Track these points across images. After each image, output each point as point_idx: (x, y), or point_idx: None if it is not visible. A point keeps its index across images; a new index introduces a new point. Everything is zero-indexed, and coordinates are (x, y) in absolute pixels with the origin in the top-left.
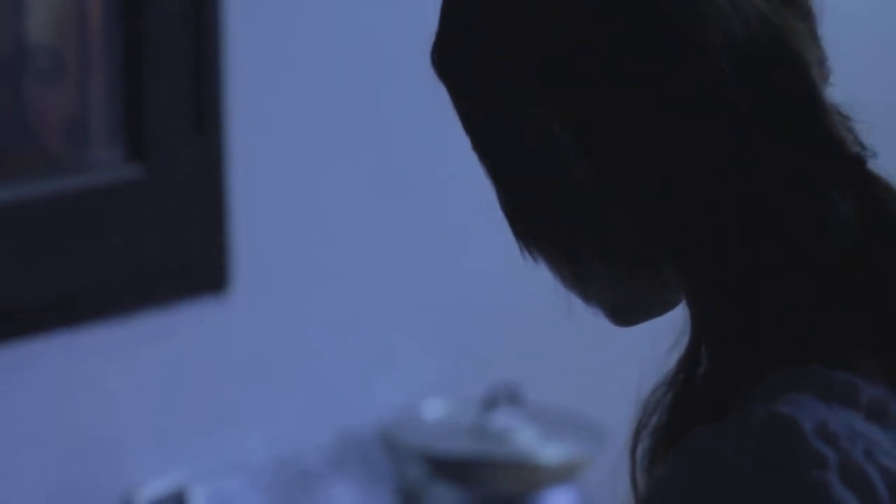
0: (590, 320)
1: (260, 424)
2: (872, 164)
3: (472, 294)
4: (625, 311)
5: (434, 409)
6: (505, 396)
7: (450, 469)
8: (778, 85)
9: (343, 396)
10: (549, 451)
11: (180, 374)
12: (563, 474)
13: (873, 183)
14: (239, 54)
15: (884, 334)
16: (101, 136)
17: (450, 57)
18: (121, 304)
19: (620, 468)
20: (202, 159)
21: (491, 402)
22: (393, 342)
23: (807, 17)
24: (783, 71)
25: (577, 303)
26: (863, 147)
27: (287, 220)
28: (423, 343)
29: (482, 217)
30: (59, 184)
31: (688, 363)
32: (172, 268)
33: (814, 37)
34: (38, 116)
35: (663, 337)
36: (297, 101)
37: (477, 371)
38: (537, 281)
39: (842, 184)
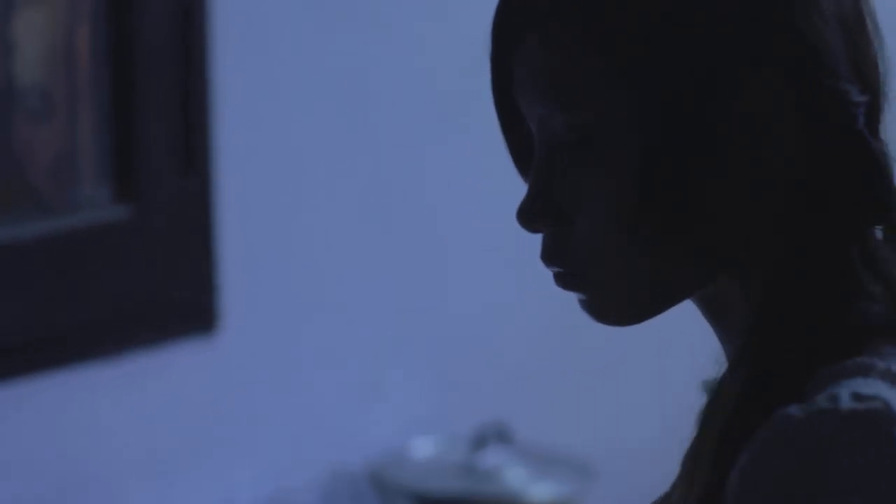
0: (580, 359)
1: (250, 462)
2: None
3: (463, 331)
4: (645, 298)
5: (423, 448)
6: (494, 434)
7: None
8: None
9: (333, 434)
10: (538, 490)
11: (170, 412)
12: None
13: None
14: (227, 92)
15: None
16: (89, 174)
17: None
18: (110, 343)
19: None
20: (190, 197)
21: (480, 441)
22: (382, 379)
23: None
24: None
25: (566, 341)
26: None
27: (276, 258)
28: (412, 380)
29: (474, 254)
30: (47, 223)
31: (754, 354)
32: (161, 306)
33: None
34: (26, 155)
35: (652, 378)
36: (285, 137)
37: (467, 407)
38: (528, 319)
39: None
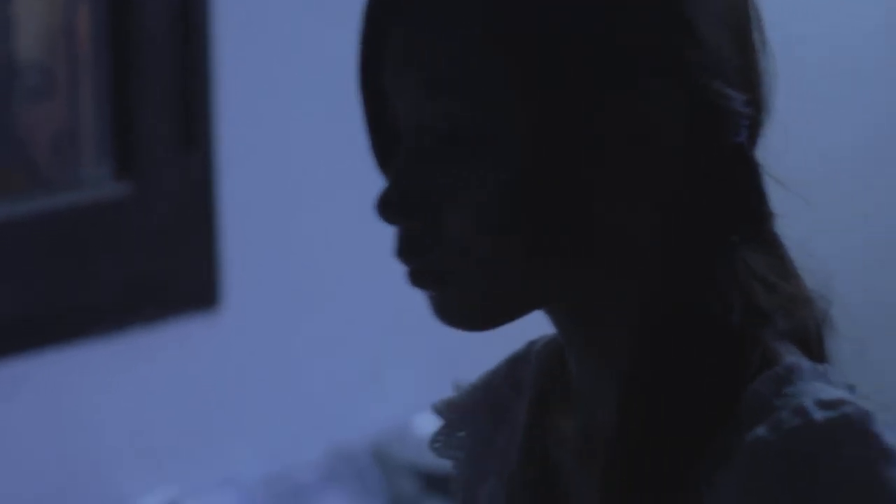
0: None
1: (251, 440)
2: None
3: None
4: (508, 302)
5: (426, 425)
6: None
7: (442, 484)
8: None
9: (334, 412)
10: None
11: (171, 390)
12: None
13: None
14: (228, 69)
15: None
16: (90, 152)
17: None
18: (109, 322)
19: None
20: (192, 175)
21: None
22: (384, 358)
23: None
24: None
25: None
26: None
27: (277, 236)
28: (413, 358)
29: None
30: (48, 201)
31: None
32: (162, 284)
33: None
34: (27, 134)
35: None
36: (286, 115)
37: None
38: None
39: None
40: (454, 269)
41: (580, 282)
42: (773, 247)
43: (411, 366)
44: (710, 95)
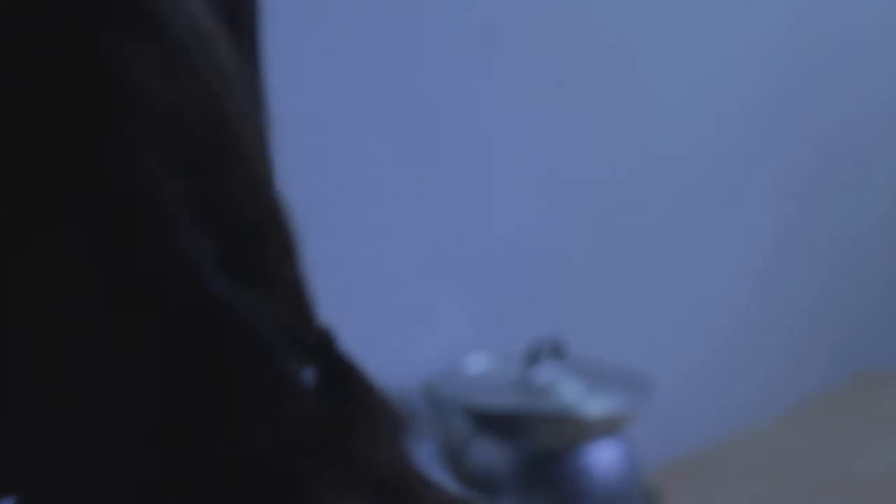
0: (635, 273)
1: None
2: None
3: (514, 247)
4: None
5: (477, 365)
6: (548, 350)
7: (493, 423)
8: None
9: (384, 354)
10: (593, 405)
11: None
12: (606, 428)
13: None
14: (276, 12)
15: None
16: None
17: None
18: None
19: (665, 421)
20: None
21: (534, 357)
22: (434, 298)
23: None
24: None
25: (620, 255)
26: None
27: (322, 175)
28: (464, 298)
29: (522, 168)
30: None
31: None
32: None
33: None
34: None
35: (710, 294)
36: (333, 54)
37: (519, 325)
38: (579, 233)
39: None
40: None
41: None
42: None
43: (462, 305)
44: (135, 241)
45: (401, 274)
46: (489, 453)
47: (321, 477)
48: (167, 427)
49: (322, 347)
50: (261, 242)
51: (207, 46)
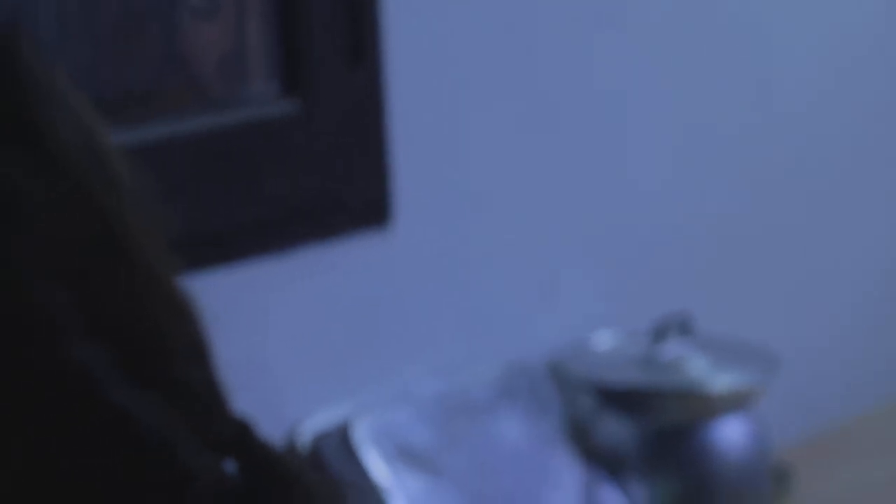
0: (762, 248)
1: (425, 357)
2: None
3: (640, 223)
4: None
5: (603, 341)
6: (676, 327)
7: (619, 400)
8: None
9: (509, 328)
10: (720, 381)
11: (343, 307)
12: (733, 403)
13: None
14: None
15: None
16: (256, 70)
17: None
18: (280, 239)
19: (790, 395)
20: (360, 90)
21: (661, 333)
22: (560, 273)
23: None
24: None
25: (749, 230)
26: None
27: (448, 151)
28: (590, 273)
29: (647, 142)
30: (214, 119)
31: None
32: (332, 202)
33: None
34: (193, 53)
35: (840, 269)
36: (455, 30)
37: (646, 302)
38: (705, 208)
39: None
40: None
41: None
42: None
43: (588, 281)
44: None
45: (529, 248)
46: (615, 430)
47: None
48: None
49: (239, 440)
50: (162, 343)
51: (97, 159)
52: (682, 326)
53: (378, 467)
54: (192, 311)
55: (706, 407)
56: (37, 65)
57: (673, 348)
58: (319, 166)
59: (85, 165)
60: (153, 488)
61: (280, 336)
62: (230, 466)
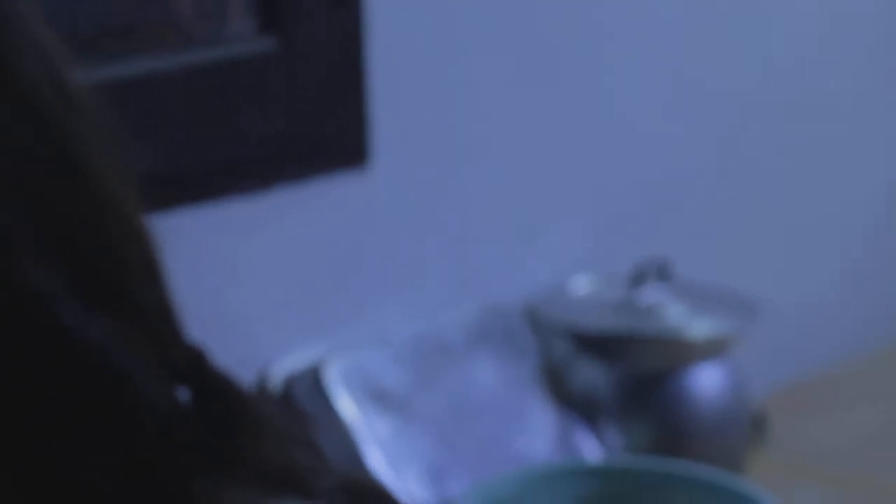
0: (744, 195)
1: (401, 299)
2: None
3: (621, 168)
4: None
5: (581, 285)
6: (653, 272)
7: (596, 345)
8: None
9: (488, 272)
10: (698, 327)
11: (318, 248)
12: (711, 350)
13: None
14: None
15: None
16: (235, 7)
17: None
18: (255, 179)
19: (770, 343)
20: (340, 28)
21: (639, 278)
22: (541, 217)
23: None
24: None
25: (734, 177)
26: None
27: (429, 92)
28: (570, 218)
29: (633, 88)
30: (191, 56)
31: None
32: (310, 141)
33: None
34: None
35: (824, 220)
36: None
37: (625, 246)
38: (692, 152)
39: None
40: None
41: None
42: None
43: (568, 225)
44: None
45: (509, 192)
46: (591, 375)
47: (206, 476)
48: (29, 460)
49: (192, 367)
50: (117, 268)
51: (50, 72)
52: (660, 272)
53: (349, 409)
54: (147, 235)
55: (683, 353)
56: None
57: (651, 294)
58: (297, 105)
59: (46, 93)
60: (109, 415)
61: (254, 278)
62: (182, 393)
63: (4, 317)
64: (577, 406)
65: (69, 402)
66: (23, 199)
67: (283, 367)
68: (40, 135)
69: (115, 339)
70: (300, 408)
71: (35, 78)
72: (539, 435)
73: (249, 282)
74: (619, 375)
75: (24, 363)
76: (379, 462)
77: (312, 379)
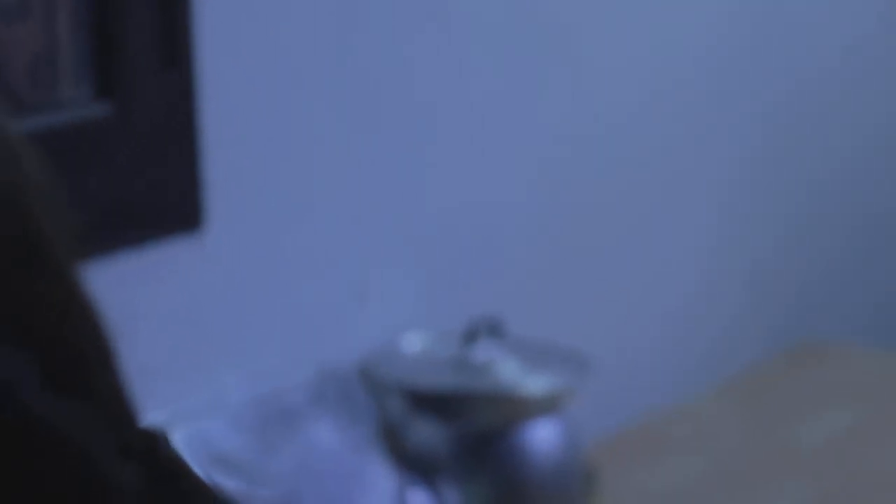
0: (572, 251)
1: (239, 363)
2: None
3: (451, 226)
4: None
5: (414, 343)
6: (486, 329)
7: (431, 403)
8: None
9: (322, 333)
10: (532, 383)
11: (156, 313)
12: (546, 406)
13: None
14: None
15: None
16: (68, 73)
17: None
18: (92, 245)
19: (603, 397)
20: (173, 93)
21: (471, 335)
22: (371, 276)
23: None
24: None
25: (559, 233)
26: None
27: (261, 155)
28: (401, 277)
29: (459, 148)
30: (26, 123)
31: None
32: (145, 206)
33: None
34: (2, 55)
35: (649, 271)
36: (269, 31)
37: (457, 304)
38: (519, 210)
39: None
40: None
41: None
42: None
43: (400, 284)
44: None
45: (341, 251)
46: (427, 434)
47: None
48: None
49: (148, 448)
50: (74, 350)
51: (5, 154)
52: (492, 329)
53: None
54: (99, 316)
55: (518, 410)
56: None
57: (484, 351)
58: (132, 171)
59: None
60: (74, 498)
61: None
62: (137, 475)
63: None
64: (414, 465)
65: (35, 484)
66: None
67: None
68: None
69: (77, 421)
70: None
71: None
72: (379, 495)
73: None
74: (455, 433)
75: None
76: None
77: None
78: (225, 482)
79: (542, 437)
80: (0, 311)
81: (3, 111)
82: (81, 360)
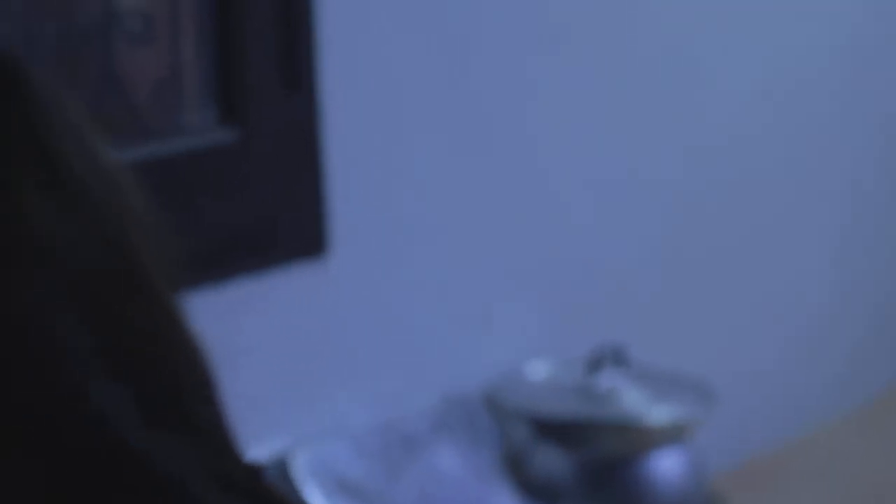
0: (698, 278)
1: (362, 389)
2: None
3: (576, 253)
4: None
5: (538, 371)
6: (611, 357)
7: (555, 431)
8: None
9: (446, 359)
10: (656, 413)
11: (279, 339)
12: (670, 436)
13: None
14: (331, 9)
15: None
16: (193, 98)
17: None
18: (216, 270)
19: (729, 427)
20: (296, 117)
21: (596, 363)
22: (496, 303)
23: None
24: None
25: (683, 260)
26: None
27: (384, 180)
28: (526, 303)
29: (585, 173)
30: (151, 148)
31: None
32: (269, 231)
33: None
34: (129, 80)
35: (774, 300)
36: (390, 54)
37: (581, 331)
38: (642, 238)
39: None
40: None
41: None
42: None
43: (524, 311)
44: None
45: (465, 278)
46: (551, 461)
47: None
48: None
49: (250, 481)
50: (172, 382)
51: (109, 186)
52: (616, 357)
53: (318, 501)
54: (199, 348)
55: (643, 439)
56: (45, 90)
57: (608, 379)
58: (256, 196)
59: (99, 195)
60: None
61: (216, 369)
62: None
63: (69, 434)
64: (538, 492)
65: None
66: (86, 313)
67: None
68: (100, 246)
69: (176, 454)
70: None
71: (91, 183)
72: None
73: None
74: (579, 461)
75: (90, 481)
76: None
77: (280, 472)
78: None
79: (666, 466)
80: (97, 344)
81: (105, 142)
82: (180, 392)
